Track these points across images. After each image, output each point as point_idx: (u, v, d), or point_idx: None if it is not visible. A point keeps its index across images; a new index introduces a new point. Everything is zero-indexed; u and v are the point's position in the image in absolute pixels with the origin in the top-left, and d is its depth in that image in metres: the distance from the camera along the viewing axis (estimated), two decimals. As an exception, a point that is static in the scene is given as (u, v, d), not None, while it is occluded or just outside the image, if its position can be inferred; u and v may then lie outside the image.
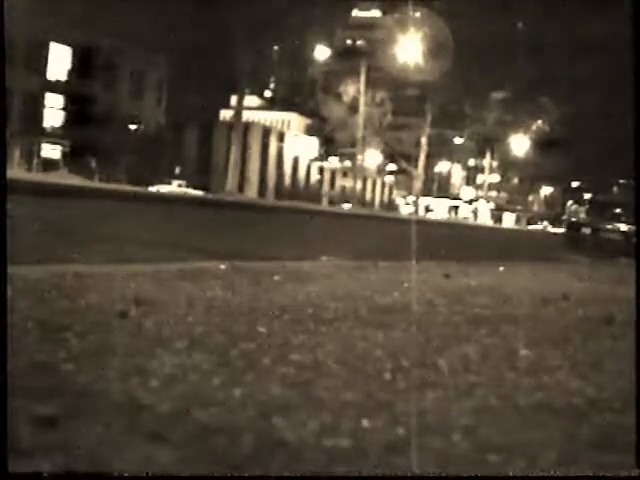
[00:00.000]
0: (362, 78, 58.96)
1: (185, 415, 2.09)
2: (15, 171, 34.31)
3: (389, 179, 76.70)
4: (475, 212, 78.44)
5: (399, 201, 76.13)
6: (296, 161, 64.01)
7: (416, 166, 63.96)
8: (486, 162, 75.94)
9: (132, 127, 54.38)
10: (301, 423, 2.09)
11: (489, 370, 2.87)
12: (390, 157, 70.83)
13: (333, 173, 68.88)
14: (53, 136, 50.89)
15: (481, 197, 78.62)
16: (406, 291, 5.18)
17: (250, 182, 55.89)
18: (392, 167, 73.88)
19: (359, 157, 62.01)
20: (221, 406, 2.18)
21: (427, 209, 75.13)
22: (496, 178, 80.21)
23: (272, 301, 4.17)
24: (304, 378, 2.55)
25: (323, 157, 68.80)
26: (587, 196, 18.78)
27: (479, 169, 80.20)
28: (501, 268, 8.51)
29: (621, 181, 18.46)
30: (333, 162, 69.79)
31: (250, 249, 9.39)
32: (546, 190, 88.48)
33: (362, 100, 59.17)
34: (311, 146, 67.31)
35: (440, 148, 71.24)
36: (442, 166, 79.60)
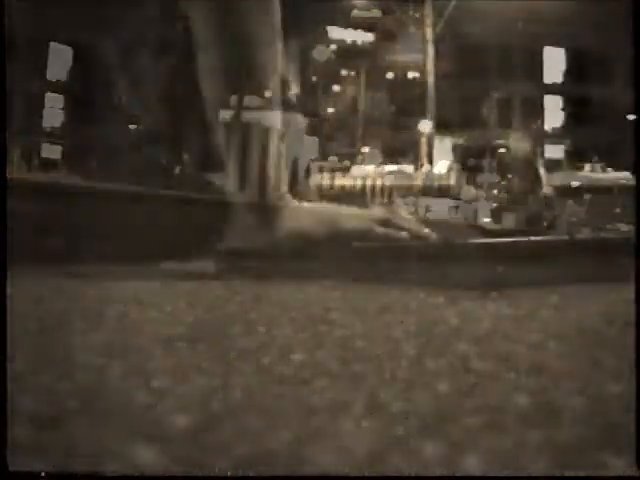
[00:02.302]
0: (362, 78, 58.92)
1: (185, 415, 2.09)
2: (15, 171, 34.26)
3: (389, 179, 76.64)
4: (475, 212, 78.44)
5: (399, 201, 76.09)
6: (296, 161, 64.00)
7: (416, 166, 63.90)
8: (486, 162, 75.89)
9: (132, 127, 54.35)
10: (300, 423, 2.09)
11: (488, 369, 2.87)
12: (390, 157, 70.76)
13: (333, 173, 68.81)
14: (53, 136, 50.87)
15: (481, 197, 78.60)
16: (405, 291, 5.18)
17: (250, 182, 55.90)
18: (392, 167, 73.82)
19: (359, 157, 61.98)
20: (221, 406, 2.19)
21: (427, 209, 75.11)
22: (496, 178, 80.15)
23: (272, 301, 4.18)
24: (304, 378, 2.55)
25: (323, 157, 68.73)
26: (587, 196, 18.75)
27: (479, 169, 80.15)
28: (500, 268, 8.51)
29: (621, 181, 18.46)
30: (333, 162, 69.72)
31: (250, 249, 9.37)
32: (546, 190, 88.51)
33: (362, 100, 59.14)
34: (311, 146, 67.29)
35: (440, 148, 71.18)
36: (442, 166, 79.56)
